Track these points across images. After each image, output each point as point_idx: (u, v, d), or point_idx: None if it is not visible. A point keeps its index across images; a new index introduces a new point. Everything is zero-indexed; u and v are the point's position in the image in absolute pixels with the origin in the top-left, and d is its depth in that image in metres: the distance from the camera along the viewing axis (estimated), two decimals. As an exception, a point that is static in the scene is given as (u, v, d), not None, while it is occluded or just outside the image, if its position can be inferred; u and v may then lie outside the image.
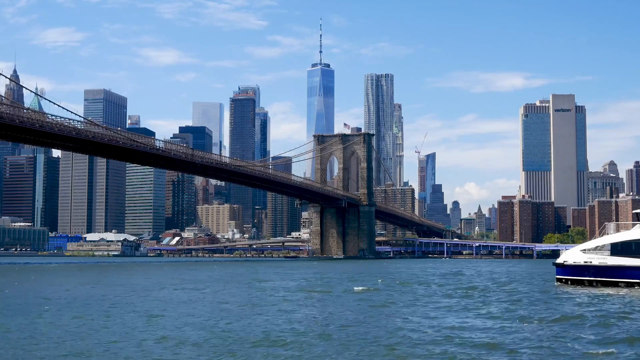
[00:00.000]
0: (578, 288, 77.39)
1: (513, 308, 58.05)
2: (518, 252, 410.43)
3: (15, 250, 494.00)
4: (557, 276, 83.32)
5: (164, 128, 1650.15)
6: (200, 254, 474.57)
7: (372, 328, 44.18)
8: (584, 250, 79.47)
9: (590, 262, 77.91)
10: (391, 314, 53.85)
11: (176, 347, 36.92)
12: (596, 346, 37.22)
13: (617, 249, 76.14)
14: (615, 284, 76.37)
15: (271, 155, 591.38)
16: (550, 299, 66.07)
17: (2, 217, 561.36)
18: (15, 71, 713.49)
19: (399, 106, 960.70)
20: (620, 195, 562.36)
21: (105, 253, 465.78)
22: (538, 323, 46.97)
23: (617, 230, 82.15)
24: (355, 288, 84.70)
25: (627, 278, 75.80)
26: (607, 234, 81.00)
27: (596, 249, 78.07)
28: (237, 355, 34.56)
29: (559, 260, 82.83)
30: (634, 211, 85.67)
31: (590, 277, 78.19)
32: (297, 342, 38.12)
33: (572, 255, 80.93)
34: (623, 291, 72.72)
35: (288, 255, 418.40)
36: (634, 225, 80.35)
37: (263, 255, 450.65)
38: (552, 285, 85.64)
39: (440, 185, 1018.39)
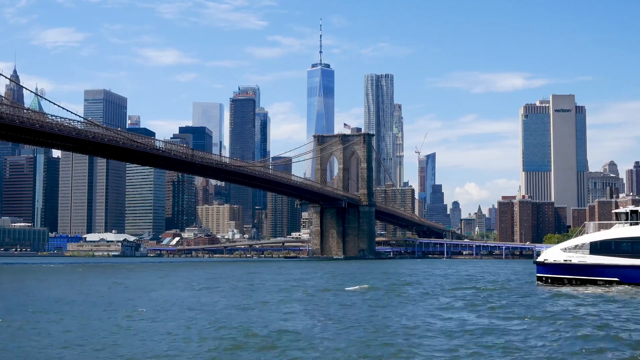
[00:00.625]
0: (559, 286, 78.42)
1: (495, 306, 59.32)
2: (518, 253, 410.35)
3: (15, 250, 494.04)
4: (538, 274, 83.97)
5: (164, 128, 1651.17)
6: (200, 255, 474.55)
7: (358, 326, 44.32)
8: (564, 249, 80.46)
9: (570, 260, 79.02)
10: (380, 312, 54.24)
11: (172, 347, 37.01)
12: (582, 342, 37.58)
13: (597, 247, 77.33)
14: (594, 282, 77.41)
15: (271, 155, 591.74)
16: (528, 298, 67.04)
17: (2, 218, 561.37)
18: (15, 71, 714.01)
19: (399, 106, 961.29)
20: (621, 195, 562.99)
21: (105, 253, 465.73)
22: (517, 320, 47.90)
23: (597, 229, 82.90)
24: (346, 288, 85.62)
25: (605, 277, 76.89)
26: (587, 233, 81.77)
27: (576, 247, 79.06)
28: (234, 354, 34.67)
29: (540, 259, 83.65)
30: (613, 211, 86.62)
31: (569, 275, 79.24)
32: (291, 340, 38.29)
33: (553, 253, 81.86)
34: (600, 289, 73.69)
35: (288, 255, 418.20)
36: (613, 224, 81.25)
37: (263, 255, 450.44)
38: (532, 284, 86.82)
39: (440, 186, 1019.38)
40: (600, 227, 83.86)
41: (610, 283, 76.56)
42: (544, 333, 41.86)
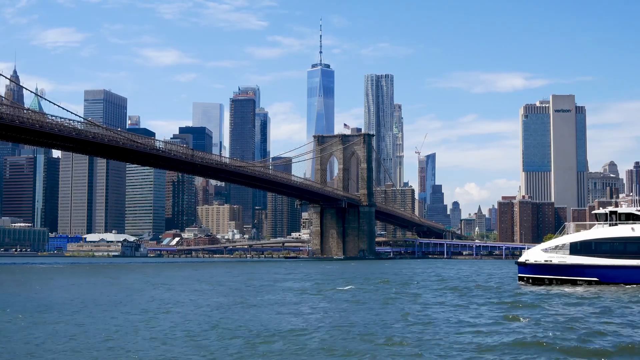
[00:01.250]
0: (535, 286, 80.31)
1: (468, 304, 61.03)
2: (518, 253, 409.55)
3: (15, 250, 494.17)
4: (519, 274, 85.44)
5: (164, 128, 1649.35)
6: (200, 255, 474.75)
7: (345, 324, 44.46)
8: (545, 249, 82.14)
9: (551, 261, 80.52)
10: (362, 310, 54.90)
11: (165, 346, 37.08)
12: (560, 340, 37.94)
13: (577, 248, 78.88)
14: (574, 282, 79.00)
15: (271, 155, 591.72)
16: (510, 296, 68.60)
17: (2, 218, 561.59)
18: (15, 71, 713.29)
19: (399, 107, 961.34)
20: (621, 195, 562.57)
21: (105, 254, 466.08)
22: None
23: (577, 230, 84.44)
24: (338, 287, 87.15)
25: (585, 276, 78.52)
26: (567, 233, 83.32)
27: (556, 248, 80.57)
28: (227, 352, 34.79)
29: (521, 259, 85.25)
30: (593, 212, 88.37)
31: (550, 275, 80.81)
32: (288, 340, 38.45)
33: (534, 254, 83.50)
34: (580, 289, 75.10)
35: (288, 255, 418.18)
36: (592, 225, 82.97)
37: (263, 255, 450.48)
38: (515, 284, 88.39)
39: (440, 186, 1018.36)
40: (580, 228, 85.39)
41: (590, 283, 77.95)
42: (509, 331, 42.70)
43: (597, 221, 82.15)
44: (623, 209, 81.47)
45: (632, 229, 77.67)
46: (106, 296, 73.23)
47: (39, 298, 70.52)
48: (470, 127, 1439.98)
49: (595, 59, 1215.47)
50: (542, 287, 77.91)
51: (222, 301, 65.91)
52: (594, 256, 77.98)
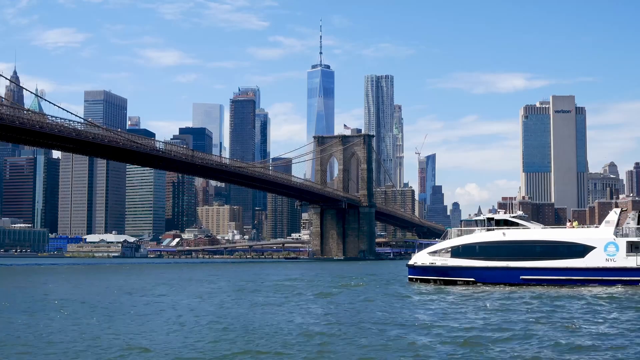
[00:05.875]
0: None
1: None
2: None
3: (15, 251, 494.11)
4: (409, 276, 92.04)
5: (164, 129, 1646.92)
6: (200, 255, 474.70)
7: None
8: (431, 252, 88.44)
9: (434, 263, 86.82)
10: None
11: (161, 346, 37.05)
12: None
13: (458, 251, 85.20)
14: (454, 282, 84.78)
15: (271, 156, 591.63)
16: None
17: (2, 219, 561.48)
18: (15, 72, 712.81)
19: (399, 107, 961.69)
20: (621, 196, 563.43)
21: (105, 254, 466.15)
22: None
23: (459, 235, 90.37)
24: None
25: (464, 277, 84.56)
26: (450, 238, 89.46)
27: (440, 251, 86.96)
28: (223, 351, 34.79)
29: (410, 262, 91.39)
30: (474, 218, 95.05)
31: (434, 276, 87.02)
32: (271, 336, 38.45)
33: (421, 257, 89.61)
34: (459, 288, 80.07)
35: (288, 256, 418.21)
36: (473, 231, 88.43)
37: (263, 256, 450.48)
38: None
39: (440, 187, 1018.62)
40: (464, 233, 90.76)
41: (468, 283, 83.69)
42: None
43: (477, 226, 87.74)
44: (499, 215, 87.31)
45: (504, 233, 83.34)
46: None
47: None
48: (470, 127, 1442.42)
49: (595, 60, 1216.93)
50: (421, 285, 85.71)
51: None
52: (471, 259, 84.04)
